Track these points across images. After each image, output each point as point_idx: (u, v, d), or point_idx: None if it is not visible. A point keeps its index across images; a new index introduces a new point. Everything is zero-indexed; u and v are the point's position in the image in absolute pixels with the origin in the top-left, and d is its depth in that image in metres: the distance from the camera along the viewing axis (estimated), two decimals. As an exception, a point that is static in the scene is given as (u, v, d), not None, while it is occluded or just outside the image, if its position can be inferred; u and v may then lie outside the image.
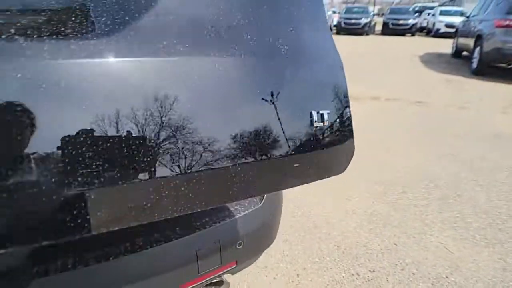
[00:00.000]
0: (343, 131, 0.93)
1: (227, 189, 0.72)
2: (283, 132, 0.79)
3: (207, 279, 1.06)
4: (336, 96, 0.92)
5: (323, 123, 0.85)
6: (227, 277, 1.27)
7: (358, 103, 5.36)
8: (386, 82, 6.92)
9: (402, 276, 1.87)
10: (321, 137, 0.86)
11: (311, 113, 0.83)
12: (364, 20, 19.39)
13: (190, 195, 0.67)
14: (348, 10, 21.12)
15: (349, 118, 0.95)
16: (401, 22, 20.04)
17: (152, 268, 0.92)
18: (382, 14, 31.10)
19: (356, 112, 4.92)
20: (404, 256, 2.03)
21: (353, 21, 19.48)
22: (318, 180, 0.92)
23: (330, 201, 2.60)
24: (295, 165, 0.81)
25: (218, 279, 1.15)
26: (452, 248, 2.10)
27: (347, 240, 2.17)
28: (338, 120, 0.91)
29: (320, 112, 0.85)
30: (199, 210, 0.70)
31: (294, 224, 2.31)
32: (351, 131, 0.96)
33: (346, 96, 0.94)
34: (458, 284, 1.82)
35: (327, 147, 0.88)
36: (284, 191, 1.32)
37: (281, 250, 2.07)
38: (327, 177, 0.95)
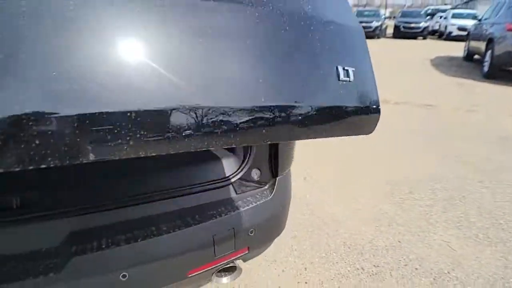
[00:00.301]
0: (368, 92, 0.97)
1: (270, 130, 0.76)
2: (311, 82, 0.83)
3: (222, 262, 1.18)
4: (360, 56, 0.98)
5: (349, 79, 0.88)
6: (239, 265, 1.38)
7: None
8: (396, 86, 6.97)
9: (405, 271, 1.96)
10: (346, 93, 0.88)
11: (337, 68, 0.87)
12: (375, 23, 19.40)
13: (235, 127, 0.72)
14: (359, 14, 21.17)
15: (374, 81, 1.00)
16: (412, 25, 19.97)
17: (175, 249, 1.04)
18: (394, 17, 31.00)
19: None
20: (408, 252, 2.11)
21: (363, 24, 19.49)
22: (343, 135, 0.94)
23: (338, 200, 2.70)
24: (321, 115, 0.84)
25: (231, 265, 1.26)
26: (455, 246, 2.18)
27: (354, 237, 2.26)
28: (362, 80, 0.95)
29: (346, 68, 0.89)
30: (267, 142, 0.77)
31: (302, 222, 2.41)
32: (376, 94, 1.00)
33: (369, 60, 0.99)
34: (460, 279, 1.90)
35: (351, 103, 0.91)
36: (292, 189, 1.43)
37: (290, 245, 2.17)
38: (352, 134, 0.98)
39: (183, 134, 0.68)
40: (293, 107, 0.79)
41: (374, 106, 1.00)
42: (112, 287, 1.01)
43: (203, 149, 0.73)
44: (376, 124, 1.02)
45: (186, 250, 1.05)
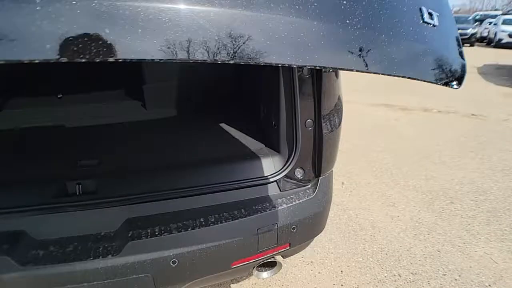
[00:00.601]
0: (451, 42, 0.93)
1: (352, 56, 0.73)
2: (394, 17, 0.79)
3: (264, 256, 1.25)
4: (443, 5, 0.95)
5: (433, 22, 0.85)
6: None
7: (408, 114, 5.33)
8: (440, 94, 6.76)
9: (444, 281, 1.94)
10: (429, 35, 0.85)
11: (421, 9, 0.85)
12: (471, 30, 18.66)
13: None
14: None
15: (456, 33, 0.96)
16: (458, 31, 19.13)
17: (222, 240, 1.12)
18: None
19: (404, 122, 4.91)
20: (447, 262, 2.08)
21: (459, 31, 18.73)
22: (427, 80, 0.87)
23: (377, 207, 2.69)
24: (400, 51, 0.80)
25: (272, 260, 1.33)
26: (497, 259, 2.12)
27: (391, 243, 2.26)
28: (446, 28, 0.91)
29: (430, 11, 0.86)
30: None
31: (340, 226, 2.43)
32: (459, 47, 0.95)
33: (451, 14, 0.96)
34: (502, 293, 1.86)
35: (434, 47, 0.87)
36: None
37: (327, 248, 2.21)
38: (437, 82, 0.89)
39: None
40: (375, 37, 0.76)
41: (457, 58, 0.94)
42: (162, 272, 1.11)
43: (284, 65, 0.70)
44: (461, 80, 0.92)
45: (232, 242, 1.13)
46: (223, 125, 1.66)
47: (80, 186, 1.17)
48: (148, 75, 1.98)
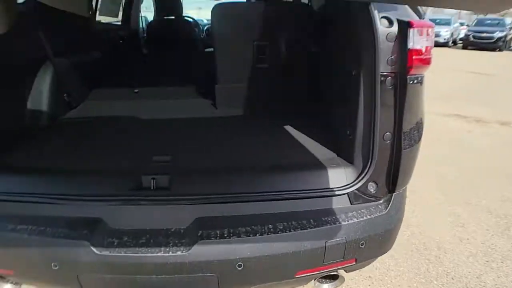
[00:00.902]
0: None
1: None
2: None
3: (328, 269, 1.21)
4: None
5: None
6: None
7: (482, 126, 4.93)
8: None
9: (520, 317, 1.76)
10: None
11: None
12: (498, 34, 17.23)
13: None
14: (479, 22, 19.00)
15: None
16: (483, 35, 17.14)
17: (289, 248, 1.10)
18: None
19: (477, 134, 4.54)
20: (524, 297, 1.89)
21: (484, 34, 17.47)
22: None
23: (444, 226, 2.52)
24: None
25: (335, 273, 1.29)
26: None
27: (459, 268, 2.10)
28: None
29: None
30: None
31: (402, 242, 2.30)
32: None
33: None
34: None
35: None
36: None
37: (387, 264, 2.10)
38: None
39: None
40: None
41: None
42: (228, 274, 1.12)
43: None
44: None
45: (298, 251, 1.11)
46: (294, 129, 1.64)
47: (155, 181, 1.21)
48: (221, 75, 2.01)
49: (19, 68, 1.73)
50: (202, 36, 4.79)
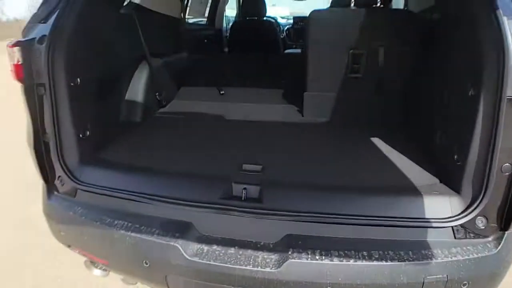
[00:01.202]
0: None
1: None
2: None
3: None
4: None
5: None
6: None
7: None
8: None
9: None
10: None
11: None
12: None
13: None
14: None
15: None
16: None
17: (382, 280, 1.02)
18: None
19: None
20: None
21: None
22: None
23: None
24: None
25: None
26: None
27: None
28: None
29: None
30: None
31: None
32: None
33: None
34: None
35: None
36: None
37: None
38: None
39: None
40: None
41: None
42: None
43: None
44: None
45: (393, 284, 1.03)
46: (387, 146, 1.53)
47: (246, 191, 1.21)
48: (311, 83, 1.97)
49: (121, 67, 1.85)
50: (282, 37, 4.76)
